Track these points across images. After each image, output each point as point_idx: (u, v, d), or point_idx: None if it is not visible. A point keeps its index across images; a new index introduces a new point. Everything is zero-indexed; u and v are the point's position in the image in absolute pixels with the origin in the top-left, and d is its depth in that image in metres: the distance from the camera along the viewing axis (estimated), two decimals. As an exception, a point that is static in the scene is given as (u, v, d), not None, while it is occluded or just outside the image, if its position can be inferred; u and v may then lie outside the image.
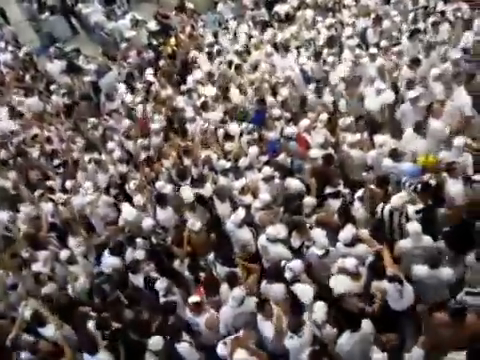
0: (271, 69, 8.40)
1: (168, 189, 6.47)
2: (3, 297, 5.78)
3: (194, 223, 5.64)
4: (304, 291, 4.59)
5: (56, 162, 8.12)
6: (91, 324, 5.02)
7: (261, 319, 4.53)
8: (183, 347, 4.59)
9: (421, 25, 8.09)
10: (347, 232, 4.86)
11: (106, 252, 5.92)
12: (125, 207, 6.55)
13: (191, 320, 4.91)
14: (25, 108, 9.78)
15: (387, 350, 3.90)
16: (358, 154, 6.14)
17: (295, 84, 7.88)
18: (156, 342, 4.54)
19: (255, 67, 8.50)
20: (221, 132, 7.32)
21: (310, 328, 4.30)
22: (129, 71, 10.08)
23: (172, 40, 10.65)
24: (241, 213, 5.52)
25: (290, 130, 6.56)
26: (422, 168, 5.47)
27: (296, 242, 5.20)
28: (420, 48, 7.54)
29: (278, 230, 5.18)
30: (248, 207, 5.78)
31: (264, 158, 6.57)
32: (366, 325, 4.15)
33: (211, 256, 5.41)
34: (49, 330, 5.15)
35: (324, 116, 6.69)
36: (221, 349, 4.39)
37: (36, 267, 6.04)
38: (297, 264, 4.77)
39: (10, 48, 12.90)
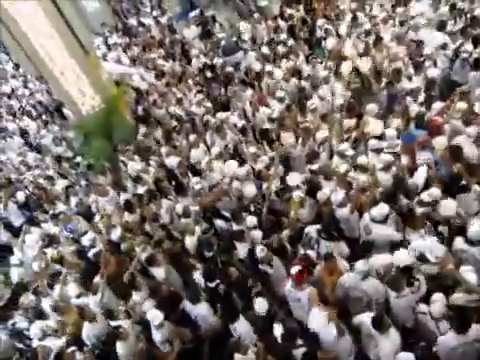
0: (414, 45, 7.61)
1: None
2: (126, 239, 6.48)
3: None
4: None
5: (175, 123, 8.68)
6: (197, 275, 5.42)
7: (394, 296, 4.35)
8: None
9: None
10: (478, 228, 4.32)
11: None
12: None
13: (291, 294, 4.82)
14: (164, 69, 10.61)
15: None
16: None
17: (437, 65, 7.09)
18: (262, 305, 4.60)
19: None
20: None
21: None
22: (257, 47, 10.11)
23: (301, 8, 10.46)
24: (340, 195, 5.36)
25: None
26: None
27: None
28: None
29: (382, 209, 4.92)
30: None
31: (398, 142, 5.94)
32: (474, 330, 3.80)
33: (313, 232, 5.33)
34: (159, 273, 5.70)
35: (462, 105, 5.86)
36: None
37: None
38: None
39: (154, 13, 14.00)
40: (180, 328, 5.04)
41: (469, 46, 6.86)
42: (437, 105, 6.13)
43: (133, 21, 14.21)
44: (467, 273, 4.07)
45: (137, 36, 13.35)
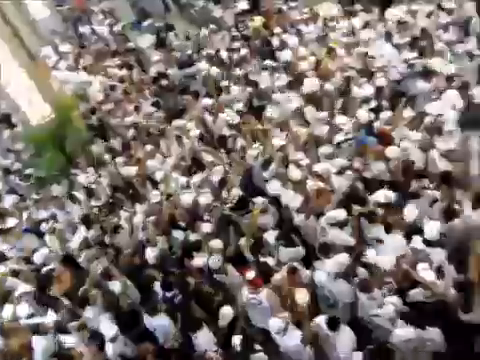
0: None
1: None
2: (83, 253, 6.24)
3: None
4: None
5: (132, 132, 8.51)
6: (157, 286, 5.29)
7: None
8: None
9: None
10: (434, 226, 4.52)
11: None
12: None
13: (252, 300, 4.79)
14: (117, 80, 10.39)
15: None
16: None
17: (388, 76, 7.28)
18: (227, 313, 4.61)
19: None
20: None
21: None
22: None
23: (257, 19, 10.60)
24: (297, 201, 5.46)
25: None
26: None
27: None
28: None
29: (339, 214, 5.06)
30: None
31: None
32: (432, 332, 3.93)
33: (271, 238, 5.34)
34: (116, 286, 5.50)
35: (408, 113, 6.15)
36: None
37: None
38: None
39: (107, 21, 13.72)
40: (140, 343, 4.87)
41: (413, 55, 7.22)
42: (385, 115, 6.35)
43: (85, 29, 13.85)
44: (424, 271, 4.21)
45: (90, 45, 13.01)
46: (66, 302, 5.64)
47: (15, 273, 6.45)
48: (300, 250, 5.20)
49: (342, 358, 4.15)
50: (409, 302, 4.24)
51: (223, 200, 6.13)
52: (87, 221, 6.72)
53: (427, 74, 6.83)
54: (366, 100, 6.78)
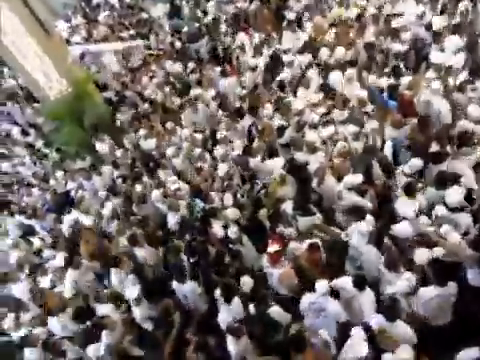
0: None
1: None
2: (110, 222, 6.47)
3: None
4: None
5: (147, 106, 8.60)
6: (182, 256, 5.37)
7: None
8: None
9: None
10: (456, 195, 4.44)
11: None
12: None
13: (267, 270, 4.89)
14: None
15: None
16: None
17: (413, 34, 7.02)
18: (248, 280, 4.69)
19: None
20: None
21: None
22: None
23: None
24: (314, 165, 5.45)
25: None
26: None
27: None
28: None
29: (356, 178, 5.05)
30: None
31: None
32: (452, 286, 3.98)
33: (289, 209, 5.32)
34: (141, 253, 5.66)
35: (430, 74, 5.95)
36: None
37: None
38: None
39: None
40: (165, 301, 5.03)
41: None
42: (406, 79, 6.19)
43: (97, 0, 13.68)
44: (450, 233, 4.20)
45: (103, 16, 12.86)
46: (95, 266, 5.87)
47: (53, 244, 6.80)
48: (316, 218, 5.19)
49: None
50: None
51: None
52: (114, 191, 6.89)
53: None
54: (397, 55, 6.69)
